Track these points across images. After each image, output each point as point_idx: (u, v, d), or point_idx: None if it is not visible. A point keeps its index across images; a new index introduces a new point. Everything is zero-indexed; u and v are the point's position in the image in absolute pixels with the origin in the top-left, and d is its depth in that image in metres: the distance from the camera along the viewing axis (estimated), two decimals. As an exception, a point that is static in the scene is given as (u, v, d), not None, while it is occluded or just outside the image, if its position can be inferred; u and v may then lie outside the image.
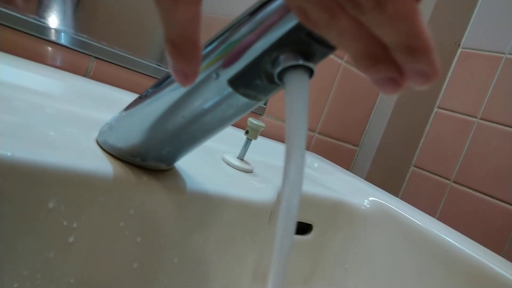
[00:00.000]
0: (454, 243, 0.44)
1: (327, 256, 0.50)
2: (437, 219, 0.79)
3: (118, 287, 0.29)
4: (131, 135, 0.28)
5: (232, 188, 0.36)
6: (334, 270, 0.50)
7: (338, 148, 0.78)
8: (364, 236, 0.50)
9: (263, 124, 0.42)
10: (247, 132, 0.42)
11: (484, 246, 0.58)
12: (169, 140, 0.27)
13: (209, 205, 0.33)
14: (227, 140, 0.51)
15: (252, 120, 0.42)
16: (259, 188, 0.39)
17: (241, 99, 0.23)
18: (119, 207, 0.27)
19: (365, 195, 0.53)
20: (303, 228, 0.48)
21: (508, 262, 0.43)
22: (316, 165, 0.63)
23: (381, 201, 0.52)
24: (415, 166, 0.85)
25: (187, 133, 0.27)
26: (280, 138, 0.69)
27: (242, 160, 0.43)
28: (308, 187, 0.48)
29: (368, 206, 0.52)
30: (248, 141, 0.43)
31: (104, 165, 0.27)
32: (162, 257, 0.31)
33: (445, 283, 0.43)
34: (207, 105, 0.24)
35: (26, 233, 0.24)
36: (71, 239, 0.26)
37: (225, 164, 0.41)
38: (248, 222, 0.36)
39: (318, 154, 0.75)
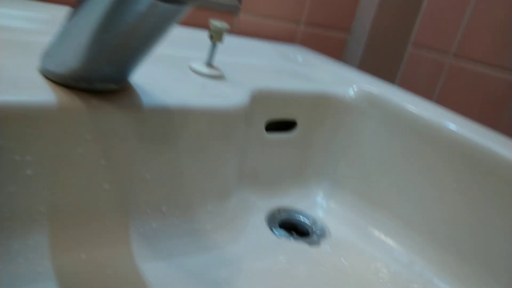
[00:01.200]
0: (447, 123, 0.43)
1: (315, 150, 0.50)
2: (436, 101, 0.78)
3: (93, 208, 0.30)
4: (67, 58, 0.26)
5: (198, 97, 0.35)
6: (324, 163, 0.51)
7: (328, 37, 0.74)
8: (352, 125, 0.50)
9: (226, 25, 0.39)
10: (211, 37, 0.40)
11: (483, 118, 0.57)
12: (106, 58, 0.26)
13: (172, 118, 0.32)
14: (195, 45, 0.49)
15: (214, 23, 0.39)
16: (229, 94, 0.38)
17: (163, 5, 0.21)
18: (71, 135, 0.27)
19: (351, 84, 0.51)
20: (286, 125, 0.48)
21: (503, 138, 0.43)
22: (300, 59, 0.61)
23: (368, 88, 0.50)
24: (412, 44, 0.81)
25: (121, 47, 0.25)
26: (258, 34, 0.66)
27: (211, 65, 0.41)
28: (289, 82, 0.47)
29: (353, 94, 0.50)
30: (214, 45, 0.41)
31: (47, 95, 0.26)
32: (132, 175, 0.32)
33: (437, 165, 0.43)
34: (131, 15, 0.22)
35: (-20, 172, 0.24)
36: (28, 172, 0.26)
37: (193, 73, 0.40)
38: (219, 129, 0.36)
39: (307, 46, 0.72)
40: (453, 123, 0.43)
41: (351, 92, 0.50)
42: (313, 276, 0.38)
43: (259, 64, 0.52)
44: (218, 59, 0.46)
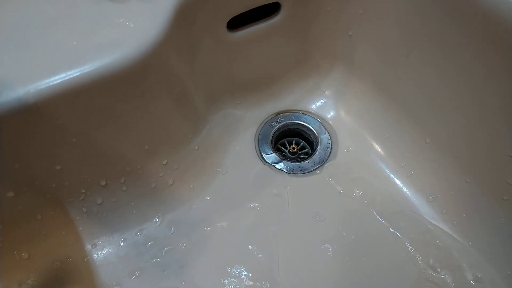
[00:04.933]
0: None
1: (321, 22, 0.36)
2: None
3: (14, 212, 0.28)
4: None
5: (88, 60, 0.24)
6: (336, 39, 0.37)
7: None
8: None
9: None
10: None
11: None
12: None
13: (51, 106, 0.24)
14: None
15: None
16: (134, 30, 0.26)
17: None
18: None
19: None
20: (268, 11, 0.33)
21: None
22: None
23: None
24: None
25: None
26: None
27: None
28: None
29: None
30: None
31: None
32: (41, 170, 0.27)
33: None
34: None
35: None
36: None
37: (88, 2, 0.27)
38: (127, 89, 0.26)
39: None
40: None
41: None
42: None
43: None
44: None
